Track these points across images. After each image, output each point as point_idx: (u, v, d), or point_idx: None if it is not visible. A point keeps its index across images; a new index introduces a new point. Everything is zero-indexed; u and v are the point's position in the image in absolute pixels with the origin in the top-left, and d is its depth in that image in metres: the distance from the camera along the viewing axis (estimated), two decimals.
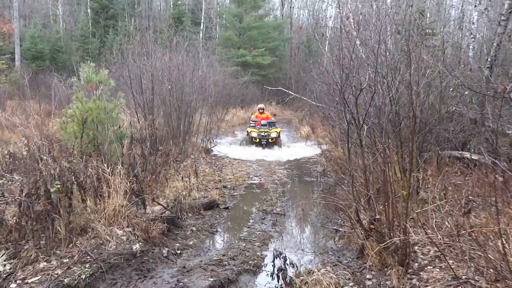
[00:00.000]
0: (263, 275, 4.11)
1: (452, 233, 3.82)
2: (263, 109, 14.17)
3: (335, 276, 3.40)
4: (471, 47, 11.49)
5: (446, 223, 4.21)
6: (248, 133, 12.92)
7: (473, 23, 12.86)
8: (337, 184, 6.05)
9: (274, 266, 3.58)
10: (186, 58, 10.88)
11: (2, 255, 4.04)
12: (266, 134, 12.40)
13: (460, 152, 6.64)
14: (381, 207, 4.39)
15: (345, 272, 3.88)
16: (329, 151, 9.39)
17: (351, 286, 3.53)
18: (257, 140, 12.40)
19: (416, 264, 4.08)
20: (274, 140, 12.53)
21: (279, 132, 12.97)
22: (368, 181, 4.66)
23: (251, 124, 13.27)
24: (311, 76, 12.65)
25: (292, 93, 17.16)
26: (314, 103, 11.06)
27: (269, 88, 20.07)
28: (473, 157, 6.15)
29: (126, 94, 8.85)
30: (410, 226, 4.35)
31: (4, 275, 3.79)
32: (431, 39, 10.07)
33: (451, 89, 6.51)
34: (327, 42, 13.60)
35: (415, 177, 5.42)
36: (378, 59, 4.74)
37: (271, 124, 13.21)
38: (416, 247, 4.38)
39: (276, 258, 3.61)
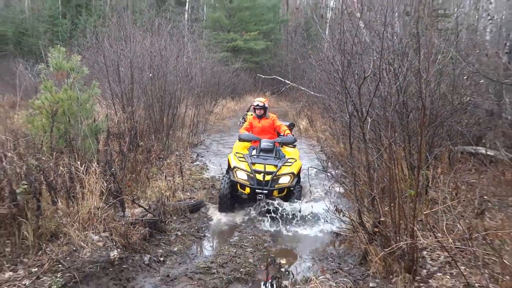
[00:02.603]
0: (256, 284, 4.15)
1: (464, 237, 3.88)
2: (263, 107, 7.56)
3: (334, 284, 3.44)
4: (488, 30, 11.56)
5: (458, 226, 4.27)
6: (230, 167, 6.77)
7: (490, 3, 12.92)
8: (338, 183, 6.10)
9: (267, 274, 3.61)
10: (169, 43, 10.86)
11: None
12: (270, 178, 6.28)
13: (474, 148, 6.71)
14: (386, 208, 4.44)
15: (346, 280, 3.93)
16: (329, 146, 9.45)
17: None
18: (247, 192, 6.35)
19: (425, 270, 4.14)
20: (285, 192, 6.45)
21: (299, 169, 6.80)
22: (372, 179, 4.71)
23: (240, 137, 7.28)
24: (310, 63, 12.67)
25: (289, 82, 17.26)
26: (313, 93, 11.13)
27: (263, 76, 20.15)
28: (488, 152, 6.23)
29: (101, 83, 8.84)
30: (418, 229, 4.42)
31: None
32: (443, 21, 10.13)
33: (465, 77, 6.56)
34: (328, 25, 13.63)
35: (424, 175, 5.48)
36: (384, 43, 4.76)
37: (284, 145, 7.42)
38: (424, 252, 4.45)
39: (270, 265, 3.64)
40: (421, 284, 3.90)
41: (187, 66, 11.41)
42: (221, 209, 6.48)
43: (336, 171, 7.49)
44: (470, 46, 7.40)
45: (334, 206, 4.81)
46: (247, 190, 6.32)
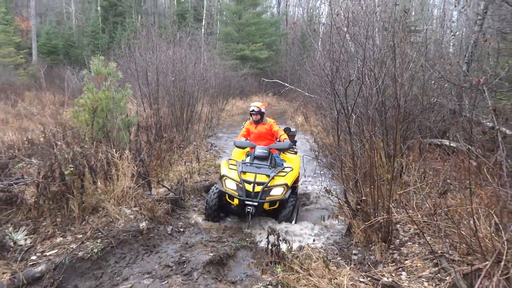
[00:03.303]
0: (259, 250, 4.17)
1: (430, 213, 3.86)
2: (259, 112, 5.88)
3: (323, 251, 3.44)
4: (451, 43, 11.46)
5: (426, 204, 4.26)
6: (221, 176, 5.26)
7: (453, 22, 12.79)
8: (327, 168, 6.08)
9: (268, 242, 3.62)
10: (188, 52, 10.80)
11: (23, 231, 4.09)
12: (260, 189, 4.84)
13: (440, 140, 6.67)
14: (367, 190, 4.42)
15: (333, 248, 3.93)
16: (321, 138, 9.39)
17: (339, 260, 3.58)
18: (236, 203, 4.93)
19: (398, 240, 4.13)
20: (277, 205, 5.00)
21: (296, 178, 5.52)
22: (356, 165, 4.69)
23: (235, 144, 5.86)
24: (305, 69, 12.58)
25: (287, 85, 17.14)
26: (307, 94, 11.06)
27: (266, 80, 20.01)
28: (451, 144, 6.18)
29: (133, 85, 8.82)
30: (393, 207, 4.40)
31: (25, 249, 3.84)
32: (415, 35, 10.03)
33: (432, 82, 6.51)
34: (320, 37, 13.51)
35: (398, 162, 5.45)
36: (366, 53, 4.72)
37: (283, 152, 6.08)
38: (398, 226, 4.44)
39: (270, 235, 3.65)
40: (395, 251, 3.90)
41: (203, 71, 11.35)
42: (208, 219, 5.14)
43: (326, 159, 7.46)
44: (436, 56, 7.35)
45: (324, 187, 4.79)
46: (236, 201, 4.84)
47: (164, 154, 6.92)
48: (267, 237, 3.63)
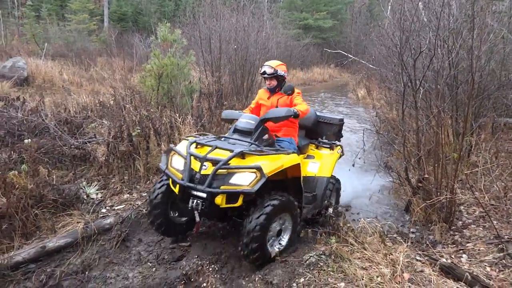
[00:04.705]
0: (313, 221, 4.17)
1: (499, 196, 3.62)
2: (274, 76, 3.84)
3: (379, 226, 3.39)
4: None
5: (495, 186, 3.99)
6: (167, 151, 3.69)
7: None
8: (389, 143, 5.86)
9: (324, 212, 3.63)
10: (251, 20, 10.73)
11: (95, 185, 4.47)
12: (211, 170, 2.93)
13: None
14: (430, 168, 4.24)
15: (391, 223, 3.85)
16: (383, 113, 9.03)
17: (395, 237, 3.51)
18: (177, 191, 3.07)
19: (460, 222, 3.95)
20: (239, 203, 2.92)
21: (293, 167, 3.27)
22: (420, 142, 4.48)
23: (221, 117, 4.02)
24: (371, 39, 12.02)
25: (351, 56, 16.51)
26: (371, 66, 10.61)
27: (329, 50, 19.44)
28: None
29: (196, 53, 8.99)
30: (458, 187, 4.18)
31: (97, 202, 4.22)
32: (497, 3, 9.08)
33: None
34: (389, 5, 12.72)
35: (467, 141, 5.12)
36: (440, 22, 4.39)
37: (264, 132, 3.53)
38: (461, 207, 4.23)
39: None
40: (456, 233, 3.74)
41: (265, 40, 11.24)
42: (153, 226, 3.42)
43: (387, 134, 7.18)
44: None
45: (384, 162, 4.66)
46: (177, 188, 3.08)
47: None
48: (326, 209, 3.63)
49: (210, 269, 3.20)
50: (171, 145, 3.46)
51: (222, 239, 3.64)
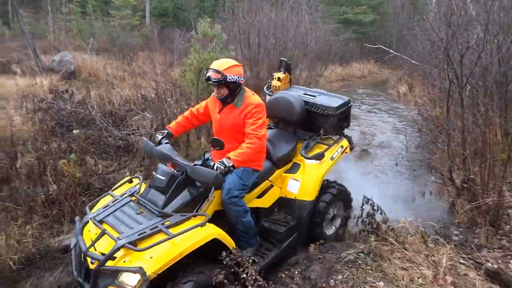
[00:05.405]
0: (351, 218, 4.11)
1: None
2: (222, 82, 2.80)
3: (421, 226, 3.30)
4: None
5: None
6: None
7: None
8: (432, 142, 5.68)
9: (362, 210, 3.57)
10: (290, 15, 10.69)
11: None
12: (94, 266, 2.26)
13: None
14: (476, 168, 4.07)
15: (433, 224, 3.73)
16: (425, 110, 8.74)
17: (437, 238, 3.41)
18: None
19: (508, 226, 3.77)
20: None
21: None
22: (466, 141, 4.31)
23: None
24: (414, 34, 11.62)
25: (392, 51, 16.00)
26: (414, 62, 10.26)
27: (369, 45, 18.93)
28: None
29: (235, 48, 9.09)
30: (506, 190, 3.99)
31: None
32: None
33: None
34: None
35: None
36: (490, 16, 4.19)
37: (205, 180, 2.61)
38: (510, 210, 4.03)
39: (365, 204, 3.59)
40: (503, 237, 3.57)
41: (304, 35, 11.17)
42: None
43: (430, 132, 6.94)
44: None
45: (427, 162, 4.52)
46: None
47: None
48: (362, 206, 3.58)
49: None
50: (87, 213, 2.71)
51: None
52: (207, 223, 2.46)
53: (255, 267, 2.56)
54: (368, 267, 2.92)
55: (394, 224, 3.46)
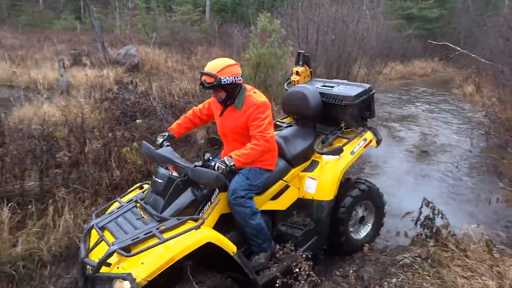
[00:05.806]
0: (409, 220, 3.95)
1: None
2: (218, 86, 2.63)
3: (486, 234, 3.10)
4: None
5: None
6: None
7: None
8: (501, 147, 5.31)
9: (420, 213, 3.41)
10: (351, 10, 10.43)
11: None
12: (92, 272, 2.18)
13: None
14: None
15: (499, 232, 3.49)
16: (495, 112, 8.17)
17: (503, 248, 3.18)
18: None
19: None
20: None
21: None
22: None
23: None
24: (484, 31, 10.86)
25: (459, 48, 15.11)
26: (483, 60, 9.63)
27: (433, 42, 17.99)
28: None
29: (293, 43, 9.06)
30: None
31: None
32: None
33: None
34: None
35: None
36: None
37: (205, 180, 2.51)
38: None
39: (424, 206, 3.41)
40: None
41: (364, 31, 10.84)
42: None
43: (499, 136, 6.47)
44: None
45: (495, 167, 4.22)
46: None
47: None
48: (420, 208, 3.41)
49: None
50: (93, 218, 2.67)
51: None
52: (202, 226, 2.30)
53: (309, 263, 2.50)
54: (425, 273, 2.80)
55: (456, 229, 3.28)
